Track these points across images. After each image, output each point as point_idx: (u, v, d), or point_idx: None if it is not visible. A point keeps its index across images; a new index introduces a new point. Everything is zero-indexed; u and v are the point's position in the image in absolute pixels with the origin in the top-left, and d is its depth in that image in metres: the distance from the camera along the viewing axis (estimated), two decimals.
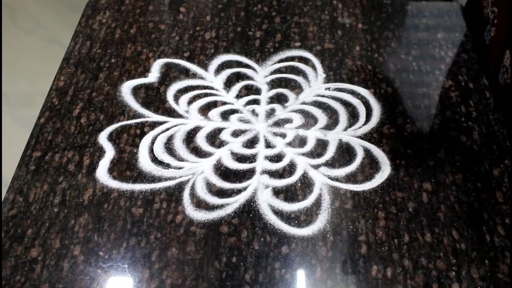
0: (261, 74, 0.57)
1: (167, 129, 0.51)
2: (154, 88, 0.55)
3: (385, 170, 0.48)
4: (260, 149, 0.50)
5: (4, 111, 1.45)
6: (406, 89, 0.55)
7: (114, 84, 0.56)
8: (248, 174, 0.47)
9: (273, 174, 0.48)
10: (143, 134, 0.51)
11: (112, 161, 0.49)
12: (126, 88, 0.55)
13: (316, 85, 0.56)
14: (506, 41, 0.54)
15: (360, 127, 0.51)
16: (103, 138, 0.51)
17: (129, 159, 0.49)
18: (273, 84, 0.56)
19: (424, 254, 0.42)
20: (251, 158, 0.49)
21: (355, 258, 0.42)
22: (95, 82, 0.56)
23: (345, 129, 0.51)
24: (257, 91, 0.55)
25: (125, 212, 0.45)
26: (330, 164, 0.48)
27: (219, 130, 0.51)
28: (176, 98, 0.54)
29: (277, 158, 0.49)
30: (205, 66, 0.58)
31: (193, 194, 0.46)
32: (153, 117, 0.52)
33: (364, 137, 0.51)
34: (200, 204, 0.45)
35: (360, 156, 0.49)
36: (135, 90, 0.55)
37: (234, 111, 0.53)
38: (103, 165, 0.48)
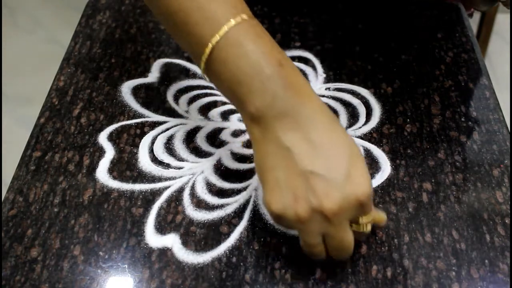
0: None
1: (167, 129, 0.51)
2: (154, 88, 0.55)
3: (385, 170, 0.48)
4: None
5: (4, 111, 1.45)
6: (406, 89, 0.55)
7: (114, 84, 0.56)
8: (248, 174, 0.47)
9: None
10: (143, 134, 0.51)
11: (112, 161, 0.49)
12: (126, 88, 0.55)
13: (316, 85, 0.56)
14: None
15: (360, 127, 0.51)
16: (103, 138, 0.51)
17: (129, 159, 0.49)
18: None
19: (424, 254, 0.42)
20: (251, 158, 0.49)
21: (355, 258, 0.42)
22: (95, 82, 0.56)
23: (345, 129, 0.51)
24: None
25: (125, 212, 0.45)
26: None
27: (219, 130, 0.51)
28: (176, 98, 0.55)
29: None
30: None
31: (193, 194, 0.46)
32: (153, 117, 0.53)
33: (364, 137, 0.51)
34: (200, 204, 0.45)
35: None
36: (135, 90, 0.55)
37: (234, 111, 0.53)
38: (103, 165, 0.48)
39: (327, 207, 0.35)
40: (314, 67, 0.57)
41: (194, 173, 0.48)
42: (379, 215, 0.40)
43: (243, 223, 0.44)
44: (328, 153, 0.36)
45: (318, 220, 0.35)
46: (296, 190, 0.35)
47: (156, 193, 0.46)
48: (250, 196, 0.46)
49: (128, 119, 0.52)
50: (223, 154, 0.49)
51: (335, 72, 0.57)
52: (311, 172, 0.35)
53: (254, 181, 0.47)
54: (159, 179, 0.47)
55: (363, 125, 0.52)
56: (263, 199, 0.37)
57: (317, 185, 0.35)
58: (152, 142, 0.50)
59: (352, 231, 0.37)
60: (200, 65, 0.39)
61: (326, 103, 0.54)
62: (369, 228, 0.38)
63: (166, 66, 0.58)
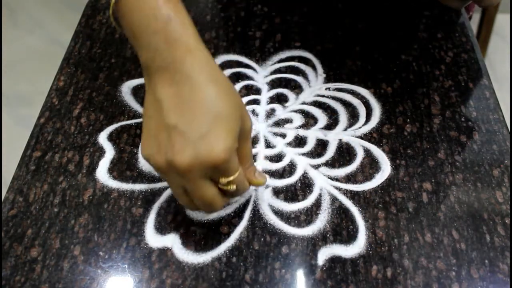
0: (261, 74, 0.57)
1: None
2: None
3: (385, 170, 0.48)
4: (260, 149, 0.50)
5: (4, 111, 1.45)
6: (406, 89, 0.55)
7: (114, 84, 0.56)
8: None
9: (273, 174, 0.48)
10: None
11: (112, 161, 0.49)
12: (126, 88, 0.55)
13: (316, 85, 0.56)
14: None
15: (360, 127, 0.51)
16: (103, 138, 0.51)
17: (129, 159, 0.49)
18: (273, 84, 0.56)
19: (424, 254, 0.42)
20: None
21: (355, 258, 0.42)
22: (95, 82, 0.56)
23: (345, 129, 0.51)
24: (257, 91, 0.55)
25: (125, 212, 0.45)
26: (330, 164, 0.48)
27: None
28: None
29: (277, 158, 0.49)
30: None
31: None
32: None
33: (364, 137, 0.51)
34: None
35: (360, 156, 0.49)
36: (135, 90, 0.55)
37: None
38: (103, 165, 0.48)
39: (178, 162, 0.36)
40: (314, 67, 0.57)
41: None
42: (256, 179, 0.42)
43: (243, 223, 0.44)
44: (194, 110, 0.37)
45: (175, 174, 0.37)
46: (160, 141, 0.37)
47: (156, 193, 0.46)
48: (250, 196, 0.46)
49: (128, 119, 0.52)
50: None
51: (335, 72, 0.57)
52: (174, 127, 0.37)
53: None
54: (159, 179, 0.47)
55: (363, 125, 0.52)
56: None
57: (176, 140, 0.37)
58: None
59: (218, 188, 0.39)
60: (109, 13, 0.41)
61: (326, 103, 0.54)
62: (233, 187, 0.39)
63: None
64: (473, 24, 1.40)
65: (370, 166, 0.48)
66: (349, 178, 0.47)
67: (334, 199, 0.46)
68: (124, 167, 0.48)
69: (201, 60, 0.39)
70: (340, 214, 0.45)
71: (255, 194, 0.46)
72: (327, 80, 0.56)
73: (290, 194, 0.46)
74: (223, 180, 0.38)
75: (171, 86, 0.38)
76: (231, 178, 0.38)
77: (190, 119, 0.37)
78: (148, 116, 0.39)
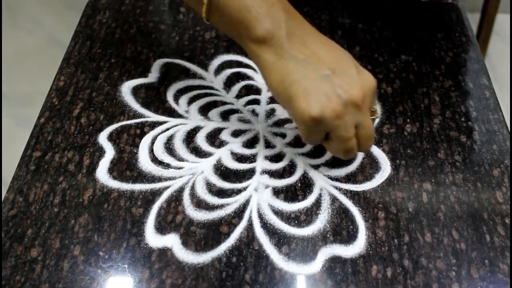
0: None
1: (167, 129, 0.51)
2: (154, 88, 0.55)
3: (385, 170, 0.48)
4: (260, 149, 0.50)
5: (4, 111, 1.45)
6: (406, 89, 0.55)
7: (114, 84, 0.56)
8: (248, 174, 0.47)
9: (273, 174, 0.48)
10: (143, 134, 0.51)
11: (112, 161, 0.49)
12: (126, 88, 0.55)
13: None
14: None
15: None
16: (103, 138, 0.51)
17: (129, 159, 0.49)
18: None
19: (424, 254, 0.42)
20: (251, 158, 0.49)
21: (355, 258, 0.42)
22: (95, 82, 0.56)
23: None
24: (257, 91, 0.55)
25: (125, 212, 0.45)
26: (330, 164, 0.48)
27: (219, 130, 0.51)
28: (176, 98, 0.55)
29: (277, 158, 0.49)
30: (205, 66, 0.58)
31: (193, 194, 0.46)
32: (153, 117, 0.53)
33: None
34: (200, 204, 0.45)
35: (360, 156, 0.49)
36: (135, 90, 0.55)
37: (234, 111, 0.53)
38: (103, 165, 0.48)
39: (354, 96, 0.41)
40: None
41: (194, 173, 0.48)
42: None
43: (243, 223, 0.44)
44: (336, 58, 0.43)
45: (351, 111, 0.41)
46: (325, 91, 0.41)
47: (156, 193, 0.46)
48: (250, 196, 0.46)
49: (128, 119, 0.52)
50: (223, 154, 0.49)
51: None
52: (332, 73, 0.41)
53: (254, 181, 0.47)
54: (159, 179, 0.47)
55: None
56: (297, 111, 0.41)
57: (341, 81, 0.41)
58: (152, 142, 0.50)
59: None
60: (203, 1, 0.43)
61: None
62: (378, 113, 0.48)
63: (166, 66, 0.58)
64: (473, 24, 1.40)
65: (370, 166, 0.48)
66: (349, 178, 0.47)
67: (334, 199, 0.46)
68: (124, 167, 0.48)
69: (309, 24, 0.45)
70: (340, 214, 0.45)
71: (255, 194, 0.46)
72: None
73: (290, 194, 0.46)
74: (374, 107, 0.45)
75: (305, 46, 0.42)
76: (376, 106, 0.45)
77: (339, 65, 0.42)
78: (296, 80, 0.41)
